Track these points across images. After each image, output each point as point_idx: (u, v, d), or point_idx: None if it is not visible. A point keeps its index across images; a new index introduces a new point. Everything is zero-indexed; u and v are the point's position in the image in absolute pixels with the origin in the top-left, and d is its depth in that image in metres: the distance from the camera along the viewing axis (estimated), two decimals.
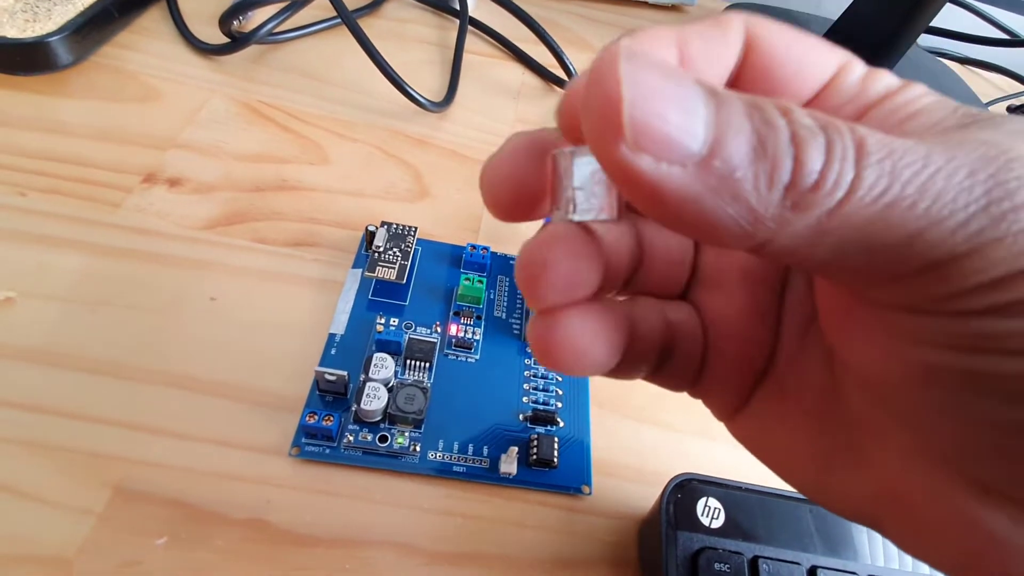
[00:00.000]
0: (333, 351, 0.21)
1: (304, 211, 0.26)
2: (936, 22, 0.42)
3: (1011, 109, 0.45)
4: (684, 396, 0.14)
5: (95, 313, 0.21)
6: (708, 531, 0.18)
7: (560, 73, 0.36)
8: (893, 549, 0.19)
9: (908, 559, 0.18)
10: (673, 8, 0.48)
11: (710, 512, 0.18)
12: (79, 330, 0.21)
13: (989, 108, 0.45)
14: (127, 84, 0.30)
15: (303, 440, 0.19)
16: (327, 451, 0.19)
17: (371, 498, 0.19)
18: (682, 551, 0.17)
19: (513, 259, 0.26)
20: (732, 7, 0.47)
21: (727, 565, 0.17)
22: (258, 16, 0.34)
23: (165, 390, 0.20)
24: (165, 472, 0.18)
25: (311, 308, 0.23)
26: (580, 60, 0.37)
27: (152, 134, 0.28)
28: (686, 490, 0.18)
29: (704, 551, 0.17)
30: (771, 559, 0.17)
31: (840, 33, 0.44)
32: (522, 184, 0.11)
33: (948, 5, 0.40)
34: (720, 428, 0.14)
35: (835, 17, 0.45)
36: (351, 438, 0.19)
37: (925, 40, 0.47)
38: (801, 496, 0.18)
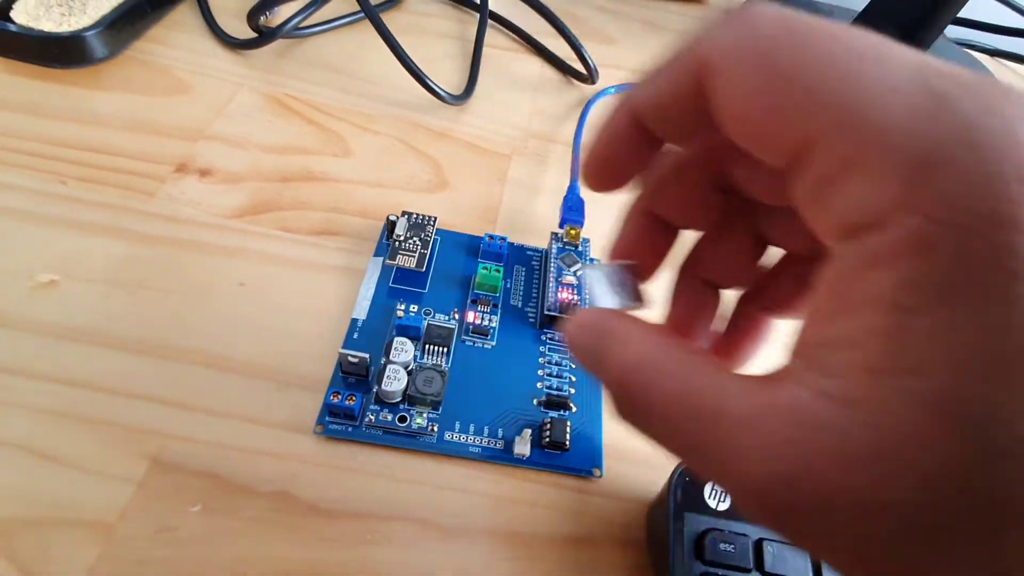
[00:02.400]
0: (355, 335, 0.22)
1: (328, 201, 0.27)
2: (964, 12, 0.41)
3: None
4: None
5: (132, 296, 0.22)
6: (715, 513, 0.18)
7: (578, 66, 0.37)
8: None
9: None
10: (691, 0, 0.48)
11: (717, 495, 0.19)
12: (118, 311, 0.22)
13: None
14: (159, 77, 0.31)
15: (327, 419, 0.20)
16: (349, 429, 0.20)
17: (391, 475, 0.20)
18: (689, 532, 0.18)
19: (529, 249, 0.27)
20: None
21: (732, 546, 0.18)
22: (284, 11, 0.35)
23: (198, 369, 0.21)
24: (198, 446, 0.19)
25: (334, 294, 0.24)
26: (598, 53, 0.38)
27: (183, 126, 0.29)
28: (694, 473, 0.19)
29: (710, 532, 0.18)
30: (776, 541, 0.18)
31: (865, 24, 0.44)
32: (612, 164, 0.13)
33: None
34: None
35: (860, 7, 0.45)
36: (372, 418, 0.20)
37: (953, 31, 0.47)
38: None
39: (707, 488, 0.19)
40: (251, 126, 0.30)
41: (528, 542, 0.20)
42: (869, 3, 0.44)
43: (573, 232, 0.26)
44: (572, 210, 0.27)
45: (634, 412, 0.12)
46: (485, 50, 0.37)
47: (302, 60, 0.34)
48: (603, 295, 0.14)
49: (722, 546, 0.18)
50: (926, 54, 0.10)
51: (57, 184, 0.25)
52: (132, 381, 0.20)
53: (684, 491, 0.19)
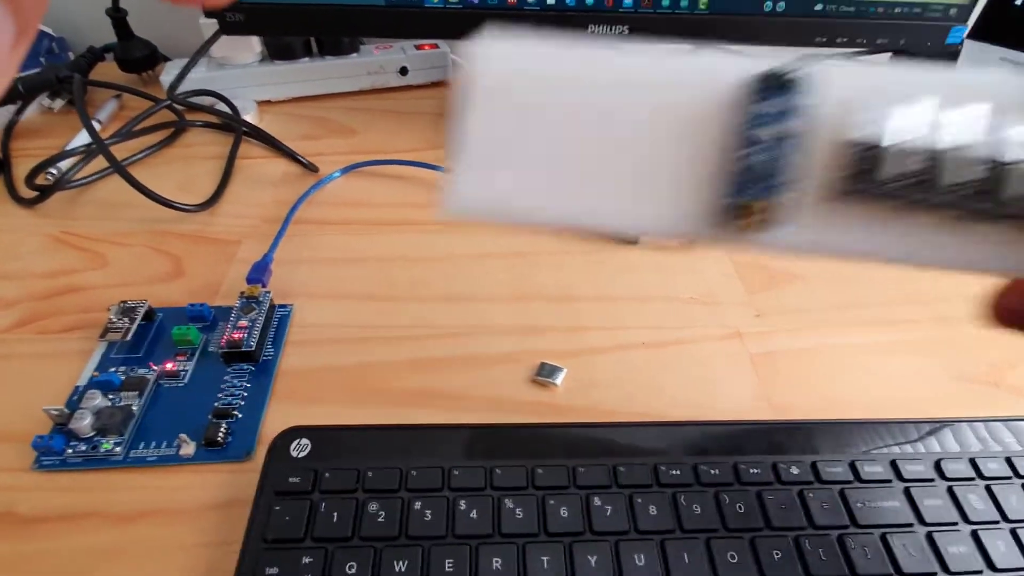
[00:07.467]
0: (75, 397, 0.31)
1: (81, 305, 0.36)
2: None
3: None
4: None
5: None
6: (294, 460, 0.26)
7: (316, 161, 0.47)
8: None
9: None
10: (432, 86, 0.59)
11: (300, 447, 0.27)
12: None
13: None
14: None
15: (41, 457, 0.28)
16: (57, 462, 0.28)
17: (86, 487, 0.28)
18: (274, 473, 0.26)
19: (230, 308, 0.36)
20: None
21: (300, 477, 0.26)
22: (66, 167, 0.45)
23: None
24: None
25: (70, 371, 0.32)
26: (341, 144, 0.49)
27: None
28: (287, 435, 0.27)
29: (288, 471, 0.26)
30: (335, 469, 0.26)
31: None
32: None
33: None
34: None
35: None
36: (71, 451, 0.28)
37: None
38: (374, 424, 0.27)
39: (292, 445, 0.27)
40: (31, 262, 0.39)
41: (189, 512, 0.27)
42: None
43: (251, 289, 0.34)
44: (255, 271, 0.36)
45: None
46: (242, 162, 0.48)
47: (81, 203, 0.43)
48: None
49: (291, 479, 0.26)
50: None
51: None
52: None
53: (277, 447, 0.27)
